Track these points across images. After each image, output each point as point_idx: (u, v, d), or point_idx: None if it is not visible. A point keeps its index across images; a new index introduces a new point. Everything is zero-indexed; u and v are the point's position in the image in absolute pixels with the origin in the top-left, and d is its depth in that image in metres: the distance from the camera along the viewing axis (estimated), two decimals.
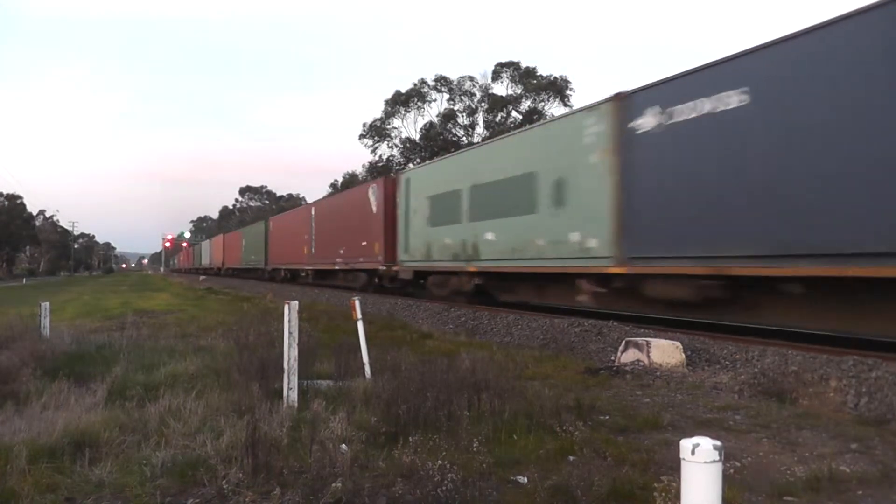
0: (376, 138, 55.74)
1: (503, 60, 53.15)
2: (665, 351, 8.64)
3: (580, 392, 6.80)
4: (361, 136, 56.00)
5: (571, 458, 4.60)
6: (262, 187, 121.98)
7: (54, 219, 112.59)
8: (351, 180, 57.34)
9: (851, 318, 8.32)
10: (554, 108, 49.99)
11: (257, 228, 44.07)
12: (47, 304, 10.96)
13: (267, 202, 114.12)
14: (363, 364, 7.27)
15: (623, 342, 9.20)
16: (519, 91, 52.89)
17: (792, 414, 6.09)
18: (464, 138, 52.36)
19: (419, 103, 54.60)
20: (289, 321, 6.11)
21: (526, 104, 52.39)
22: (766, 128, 8.62)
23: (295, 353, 6.07)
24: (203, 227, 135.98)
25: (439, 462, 3.97)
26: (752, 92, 8.77)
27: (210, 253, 67.62)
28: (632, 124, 10.76)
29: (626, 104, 10.97)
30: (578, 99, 51.46)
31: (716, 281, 9.57)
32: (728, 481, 3.70)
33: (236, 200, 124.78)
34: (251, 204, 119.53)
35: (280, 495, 3.79)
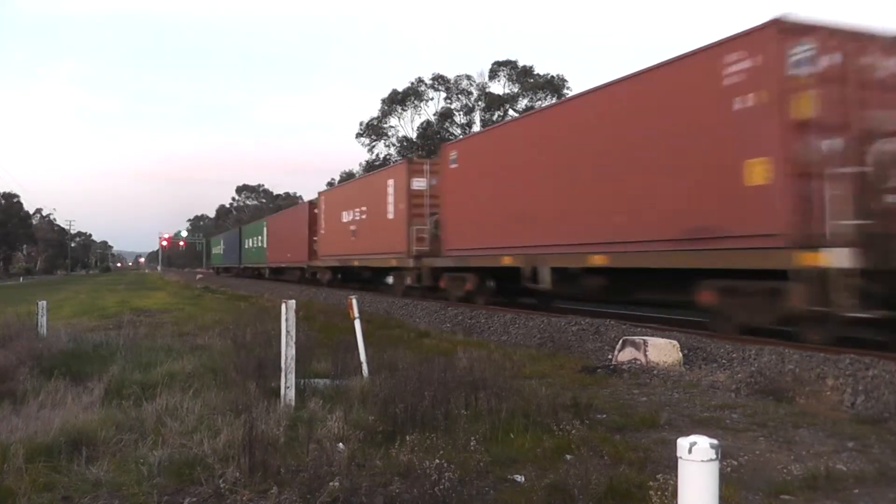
0: (373, 137, 55.74)
1: (500, 59, 53.30)
2: (662, 349, 8.64)
3: (577, 391, 6.81)
4: (358, 135, 56.05)
5: (568, 456, 4.60)
6: (259, 186, 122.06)
7: (51, 217, 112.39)
8: (349, 179, 57.24)
9: None
10: None
11: None
12: (44, 302, 10.94)
13: (264, 201, 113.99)
14: (360, 363, 7.26)
15: (620, 341, 9.19)
16: (516, 90, 52.90)
17: (789, 412, 6.10)
18: (460, 137, 52.37)
19: (416, 102, 54.60)
20: (286, 320, 6.09)
21: (523, 103, 52.41)
22: None
23: (292, 351, 6.06)
24: (200, 226, 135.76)
25: (436, 461, 3.96)
26: None
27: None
28: None
29: None
30: None
31: None
32: (725, 480, 3.71)
33: (233, 199, 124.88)
34: (248, 203, 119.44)
35: (277, 494, 3.78)
